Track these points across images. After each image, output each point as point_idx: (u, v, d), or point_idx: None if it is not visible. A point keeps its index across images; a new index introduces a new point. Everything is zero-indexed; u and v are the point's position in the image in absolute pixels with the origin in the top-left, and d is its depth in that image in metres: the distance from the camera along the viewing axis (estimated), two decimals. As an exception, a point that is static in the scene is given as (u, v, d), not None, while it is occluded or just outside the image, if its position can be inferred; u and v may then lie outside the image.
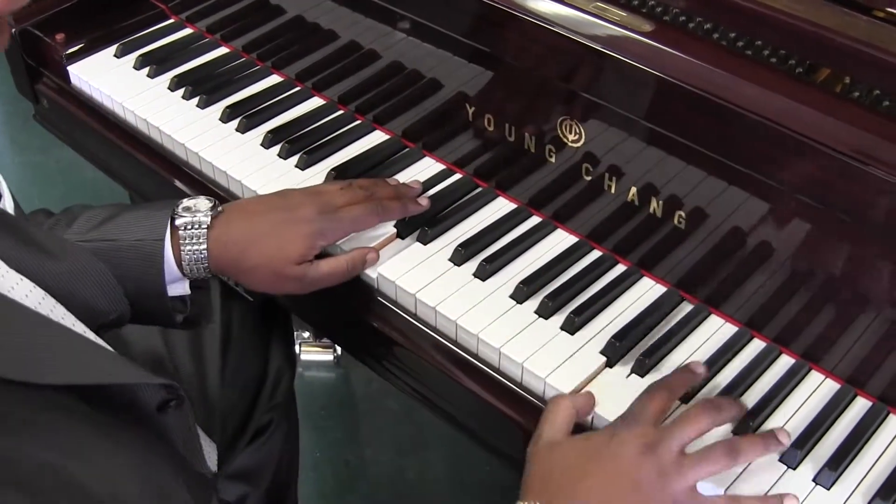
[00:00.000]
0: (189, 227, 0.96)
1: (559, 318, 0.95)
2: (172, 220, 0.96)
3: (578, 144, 0.99)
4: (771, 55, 0.90)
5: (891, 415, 0.90)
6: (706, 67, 0.88)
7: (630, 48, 0.91)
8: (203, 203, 0.97)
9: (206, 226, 0.96)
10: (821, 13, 0.90)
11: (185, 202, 0.98)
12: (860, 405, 0.90)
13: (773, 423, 0.88)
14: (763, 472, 0.84)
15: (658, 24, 0.93)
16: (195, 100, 1.25)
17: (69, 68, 1.31)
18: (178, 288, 0.99)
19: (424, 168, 1.15)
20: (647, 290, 1.00)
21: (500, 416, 0.93)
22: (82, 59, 1.32)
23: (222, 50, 1.35)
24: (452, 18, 1.05)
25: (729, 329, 0.96)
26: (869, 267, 0.85)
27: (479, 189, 1.11)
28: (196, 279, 0.98)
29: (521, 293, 0.97)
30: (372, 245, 1.02)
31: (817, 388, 0.92)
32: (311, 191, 1.03)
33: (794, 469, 0.85)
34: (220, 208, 0.98)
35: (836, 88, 0.87)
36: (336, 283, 0.99)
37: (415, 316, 0.99)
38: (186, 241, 0.95)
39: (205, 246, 0.95)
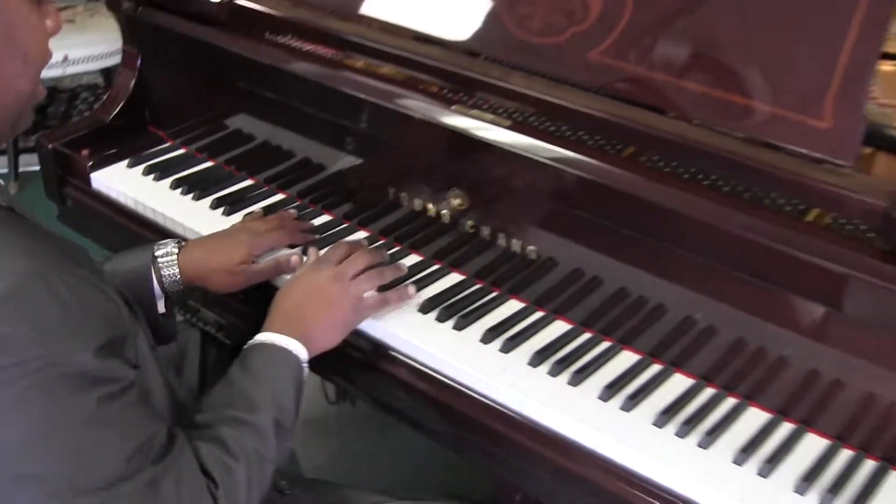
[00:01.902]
0: (164, 256, 1.41)
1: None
2: (153, 255, 1.40)
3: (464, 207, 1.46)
4: (590, 141, 1.37)
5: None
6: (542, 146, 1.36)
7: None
8: (171, 242, 1.44)
9: (176, 253, 1.42)
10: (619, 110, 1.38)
11: (159, 243, 1.43)
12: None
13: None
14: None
15: (515, 123, 1.41)
16: (190, 195, 1.69)
17: (92, 175, 1.76)
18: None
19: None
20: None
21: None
22: (102, 169, 1.77)
23: (208, 163, 1.81)
24: (384, 138, 1.53)
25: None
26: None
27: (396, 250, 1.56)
28: (172, 293, 1.42)
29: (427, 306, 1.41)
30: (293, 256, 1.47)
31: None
32: (241, 223, 1.56)
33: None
34: (183, 243, 1.45)
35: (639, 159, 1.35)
36: (269, 277, 1.45)
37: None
38: (163, 266, 1.41)
39: (177, 267, 1.41)
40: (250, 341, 1.25)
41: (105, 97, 1.87)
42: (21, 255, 0.97)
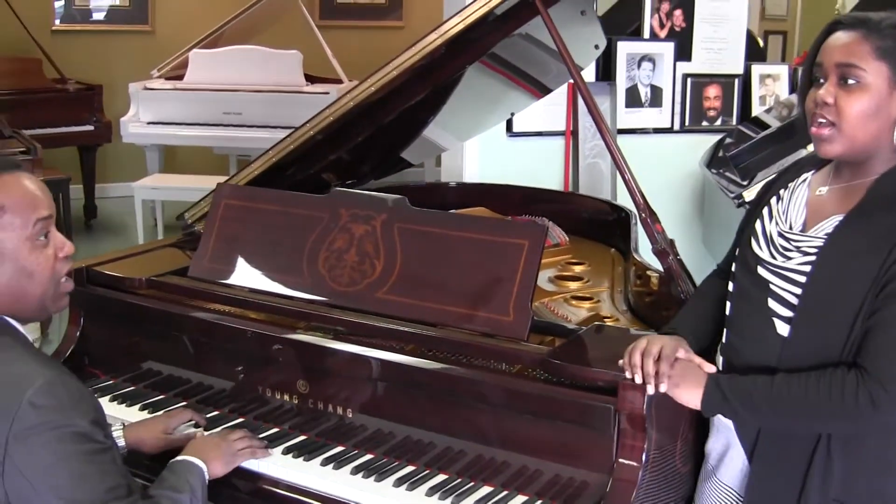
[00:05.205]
0: (114, 430, 2.21)
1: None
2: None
3: (306, 391, 2.34)
4: (384, 344, 2.30)
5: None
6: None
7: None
8: (118, 422, 2.27)
9: (121, 429, 2.26)
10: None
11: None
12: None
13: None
14: None
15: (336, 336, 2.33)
16: (123, 404, 2.52)
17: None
18: None
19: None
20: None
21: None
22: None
23: (131, 387, 2.63)
24: (251, 353, 2.42)
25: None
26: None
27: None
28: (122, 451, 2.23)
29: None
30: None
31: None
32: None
33: None
34: (125, 424, 2.30)
35: (418, 350, 2.27)
36: (178, 444, 2.23)
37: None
38: (115, 437, 2.21)
39: (122, 439, 2.24)
40: (173, 460, 2.10)
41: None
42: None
